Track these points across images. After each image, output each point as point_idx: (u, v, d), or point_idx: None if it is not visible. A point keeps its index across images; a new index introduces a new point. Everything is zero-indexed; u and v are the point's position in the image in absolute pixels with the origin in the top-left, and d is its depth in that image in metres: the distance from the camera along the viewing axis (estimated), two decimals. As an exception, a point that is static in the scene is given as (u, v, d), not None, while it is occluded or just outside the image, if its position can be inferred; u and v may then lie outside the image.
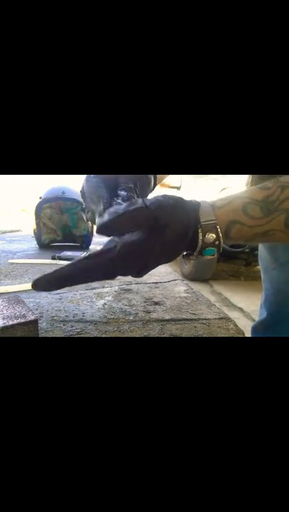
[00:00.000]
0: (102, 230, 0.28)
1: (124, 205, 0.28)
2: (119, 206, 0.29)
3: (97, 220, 0.31)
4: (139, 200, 0.29)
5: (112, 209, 0.29)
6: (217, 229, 0.29)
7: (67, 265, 0.30)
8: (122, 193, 0.33)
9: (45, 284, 0.29)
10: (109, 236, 0.30)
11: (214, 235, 0.29)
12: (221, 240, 0.29)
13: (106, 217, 0.28)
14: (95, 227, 0.32)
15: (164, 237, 0.28)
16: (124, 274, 0.31)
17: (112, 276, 0.31)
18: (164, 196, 0.30)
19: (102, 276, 0.31)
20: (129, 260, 0.29)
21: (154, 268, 0.31)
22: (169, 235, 0.28)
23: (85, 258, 0.30)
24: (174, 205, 0.29)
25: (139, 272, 0.31)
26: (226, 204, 0.30)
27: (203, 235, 0.29)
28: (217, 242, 0.29)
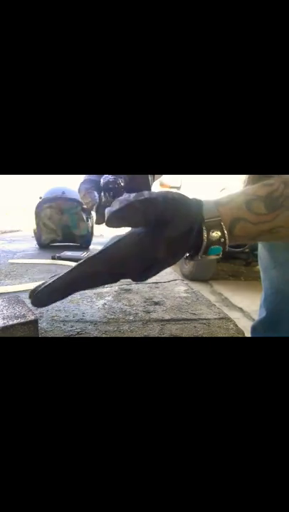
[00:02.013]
0: (113, 219, 0.27)
1: (134, 195, 0.28)
2: (128, 196, 0.28)
3: (106, 210, 0.30)
4: (145, 193, 0.28)
5: (121, 198, 0.28)
6: (222, 226, 0.28)
7: (69, 271, 0.29)
8: (110, 186, 0.33)
9: (45, 298, 0.28)
10: (117, 227, 0.29)
11: (219, 233, 0.28)
12: (226, 238, 0.29)
13: (117, 205, 0.27)
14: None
15: (168, 232, 0.28)
16: (129, 274, 0.29)
17: (115, 278, 0.29)
18: (168, 192, 0.29)
19: (106, 277, 0.29)
20: (135, 257, 0.28)
21: (159, 270, 0.30)
22: (173, 231, 0.28)
23: (88, 260, 0.29)
24: (178, 201, 0.29)
25: (145, 271, 0.29)
26: (229, 201, 0.30)
27: (208, 233, 0.28)
28: (222, 240, 0.29)
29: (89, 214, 1.38)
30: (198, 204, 0.29)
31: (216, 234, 0.28)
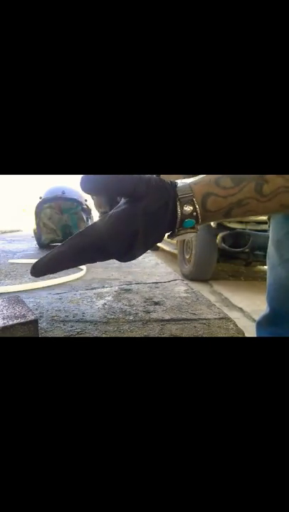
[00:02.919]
0: (89, 185, 0.31)
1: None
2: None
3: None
4: None
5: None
6: (193, 201, 0.33)
7: (60, 245, 0.33)
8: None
9: (42, 267, 0.33)
10: (90, 192, 0.33)
11: (191, 207, 0.33)
12: (198, 211, 0.33)
13: (93, 176, 0.31)
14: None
15: (144, 205, 0.32)
16: (115, 253, 0.33)
17: (102, 255, 0.33)
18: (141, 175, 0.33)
19: (93, 254, 0.33)
20: (116, 232, 0.32)
21: (144, 249, 0.33)
22: (148, 204, 0.32)
23: (76, 235, 0.33)
24: (155, 180, 0.33)
25: (128, 250, 0.33)
26: (201, 180, 0.34)
27: (181, 208, 0.33)
28: (195, 214, 0.33)
29: (89, 214, 1.38)
30: (173, 184, 0.34)
31: (188, 208, 0.33)
